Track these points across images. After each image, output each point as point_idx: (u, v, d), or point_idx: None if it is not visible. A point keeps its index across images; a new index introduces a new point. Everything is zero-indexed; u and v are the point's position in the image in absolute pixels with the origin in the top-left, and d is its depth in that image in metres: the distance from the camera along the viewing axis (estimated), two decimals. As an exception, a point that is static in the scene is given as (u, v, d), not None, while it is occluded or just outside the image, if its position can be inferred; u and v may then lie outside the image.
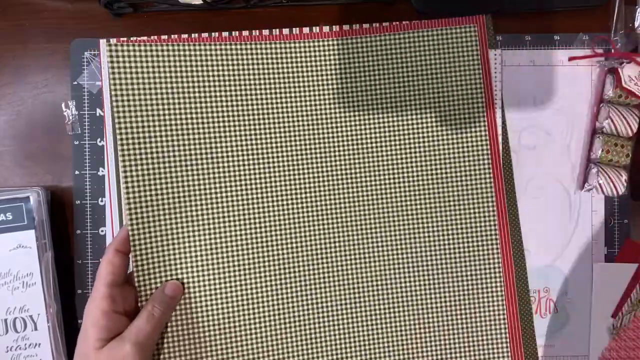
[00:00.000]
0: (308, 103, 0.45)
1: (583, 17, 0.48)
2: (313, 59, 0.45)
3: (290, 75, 0.45)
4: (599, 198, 0.48)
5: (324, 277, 0.44)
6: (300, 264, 0.44)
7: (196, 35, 0.47)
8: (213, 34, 0.47)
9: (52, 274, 0.45)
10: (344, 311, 0.45)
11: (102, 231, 0.47)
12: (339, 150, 0.45)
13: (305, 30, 0.46)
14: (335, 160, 0.45)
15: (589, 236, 0.48)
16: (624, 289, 0.47)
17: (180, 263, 0.42)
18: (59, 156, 0.47)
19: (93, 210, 0.47)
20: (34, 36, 0.47)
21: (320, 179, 0.45)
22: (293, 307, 0.44)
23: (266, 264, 0.44)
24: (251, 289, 0.43)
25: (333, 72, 0.45)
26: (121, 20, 0.48)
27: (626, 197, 0.48)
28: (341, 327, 0.44)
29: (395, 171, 0.45)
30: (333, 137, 0.45)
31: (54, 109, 0.47)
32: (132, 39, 0.44)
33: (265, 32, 0.46)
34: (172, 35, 0.46)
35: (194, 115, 0.43)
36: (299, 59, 0.45)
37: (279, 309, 0.43)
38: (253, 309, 0.43)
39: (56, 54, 0.47)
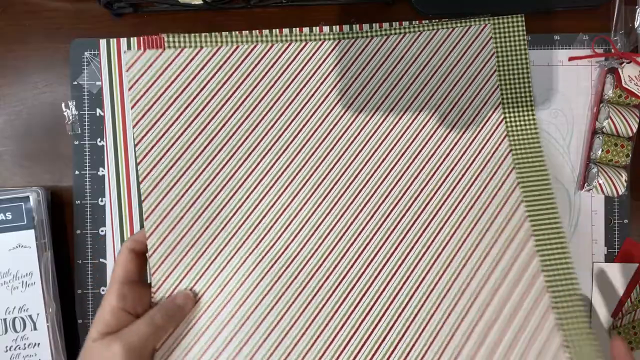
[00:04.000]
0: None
1: (583, 17, 0.48)
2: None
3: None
4: (599, 198, 0.48)
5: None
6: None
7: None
8: (213, 34, 0.47)
9: (52, 274, 0.45)
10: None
11: (102, 231, 0.47)
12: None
13: (306, 30, 0.46)
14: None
15: (589, 236, 0.48)
16: (624, 289, 0.47)
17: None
18: (59, 156, 0.47)
19: (93, 210, 0.47)
20: (34, 36, 0.47)
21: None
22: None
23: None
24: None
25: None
26: (121, 20, 0.48)
27: (626, 197, 0.48)
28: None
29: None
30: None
31: (54, 109, 0.47)
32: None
33: (266, 31, 0.46)
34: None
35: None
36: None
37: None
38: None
39: (56, 54, 0.47)
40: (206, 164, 0.42)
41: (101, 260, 0.47)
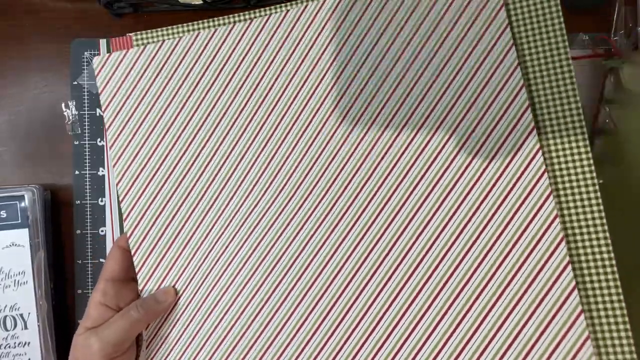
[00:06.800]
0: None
1: (583, 17, 0.48)
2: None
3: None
4: (599, 198, 0.48)
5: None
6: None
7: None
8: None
9: (45, 273, 0.45)
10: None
11: (102, 231, 0.47)
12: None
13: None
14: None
15: (589, 236, 0.47)
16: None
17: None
18: (59, 156, 0.47)
19: (93, 210, 0.47)
20: (34, 36, 0.47)
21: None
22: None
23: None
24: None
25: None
26: (121, 20, 0.48)
27: (626, 198, 0.48)
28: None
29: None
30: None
31: (54, 109, 0.47)
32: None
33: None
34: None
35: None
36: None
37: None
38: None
39: (56, 54, 0.47)
40: (179, 156, 0.42)
41: (101, 260, 0.47)
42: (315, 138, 0.40)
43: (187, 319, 0.41)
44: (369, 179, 0.39)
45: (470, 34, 0.38)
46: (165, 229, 0.41)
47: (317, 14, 0.41)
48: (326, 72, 0.40)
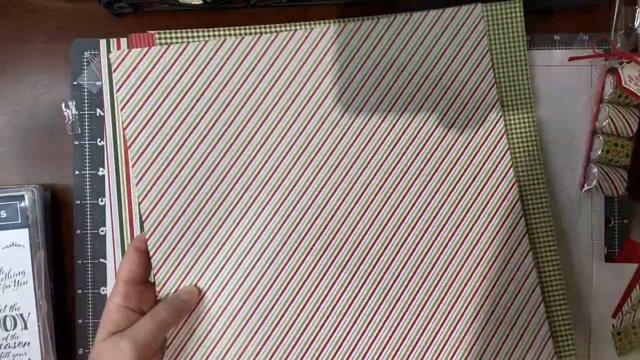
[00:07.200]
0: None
1: (583, 17, 0.48)
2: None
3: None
4: (599, 198, 0.48)
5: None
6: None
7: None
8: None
9: (44, 273, 0.45)
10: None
11: (102, 231, 0.47)
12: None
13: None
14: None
15: (589, 236, 0.48)
16: (624, 289, 0.47)
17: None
18: (59, 156, 0.47)
19: (93, 210, 0.47)
20: (34, 36, 0.47)
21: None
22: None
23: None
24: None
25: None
26: (121, 20, 0.48)
27: (626, 197, 0.48)
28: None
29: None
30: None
31: (54, 109, 0.47)
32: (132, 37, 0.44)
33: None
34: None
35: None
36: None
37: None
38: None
39: (56, 54, 0.47)
40: (202, 159, 0.42)
41: (101, 260, 0.47)
42: (320, 131, 0.44)
43: (212, 319, 0.41)
44: (362, 152, 0.44)
45: (449, 30, 0.45)
46: (186, 230, 0.41)
47: (339, 35, 0.44)
48: (349, 85, 0.45)
